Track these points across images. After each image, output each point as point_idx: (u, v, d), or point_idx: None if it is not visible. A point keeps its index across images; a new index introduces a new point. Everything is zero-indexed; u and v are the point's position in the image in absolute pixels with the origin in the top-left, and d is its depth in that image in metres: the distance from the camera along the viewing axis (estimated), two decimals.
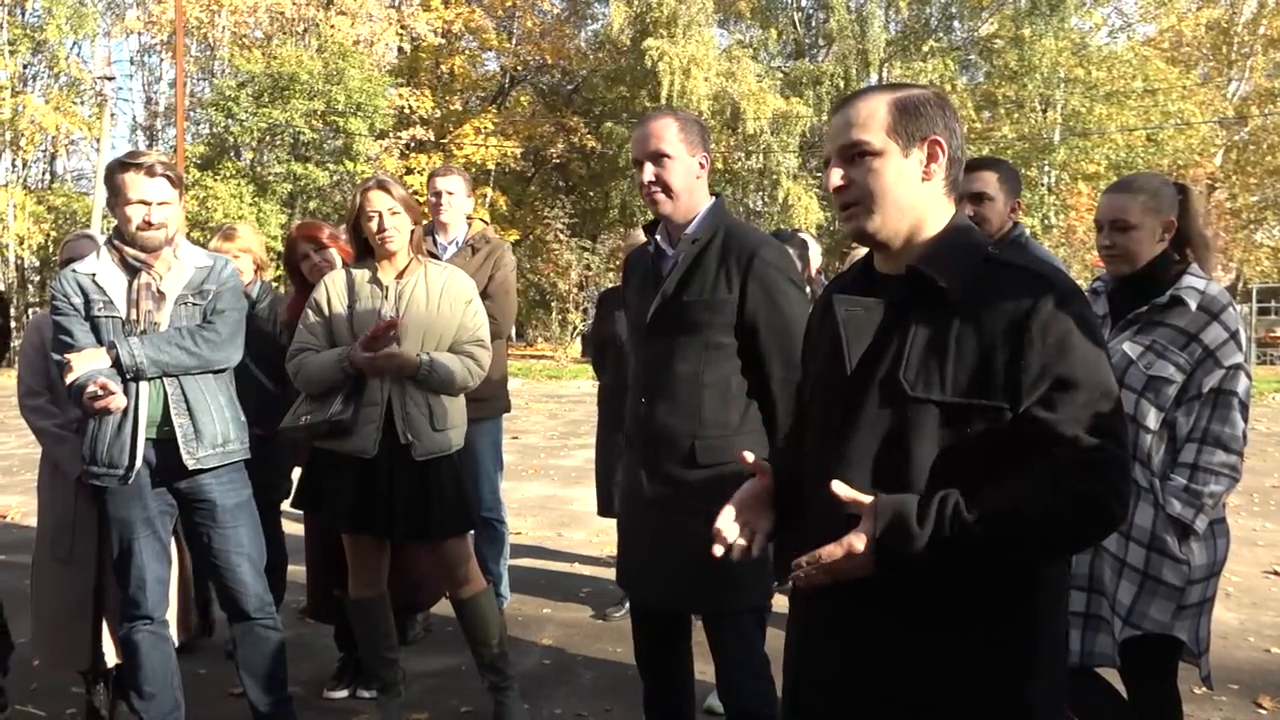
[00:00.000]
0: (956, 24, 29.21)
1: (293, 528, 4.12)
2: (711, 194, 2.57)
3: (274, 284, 4.72)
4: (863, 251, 1.70)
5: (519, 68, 31.46)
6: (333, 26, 25.74)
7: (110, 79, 25.76)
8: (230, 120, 23.44)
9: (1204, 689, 3.00)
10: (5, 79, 25.81)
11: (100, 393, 2.62)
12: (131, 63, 37.81)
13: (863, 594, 1.47)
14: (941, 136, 1.54)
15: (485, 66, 32.90)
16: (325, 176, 23.91)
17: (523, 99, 31.44)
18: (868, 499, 1.44)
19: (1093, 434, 1.40)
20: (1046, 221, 25.13)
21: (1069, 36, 25.86)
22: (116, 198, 2.85)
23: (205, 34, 27.30)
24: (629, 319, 2.76)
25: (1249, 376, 2.42)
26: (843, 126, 1.56)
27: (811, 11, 30.41)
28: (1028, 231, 3.19)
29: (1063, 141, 26.08)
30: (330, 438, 3.08)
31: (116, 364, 2.76)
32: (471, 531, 3.77)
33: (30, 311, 24.24)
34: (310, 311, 3.20)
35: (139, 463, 2.84)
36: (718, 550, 1.66)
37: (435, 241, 4.20)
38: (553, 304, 25.97)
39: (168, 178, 2.86)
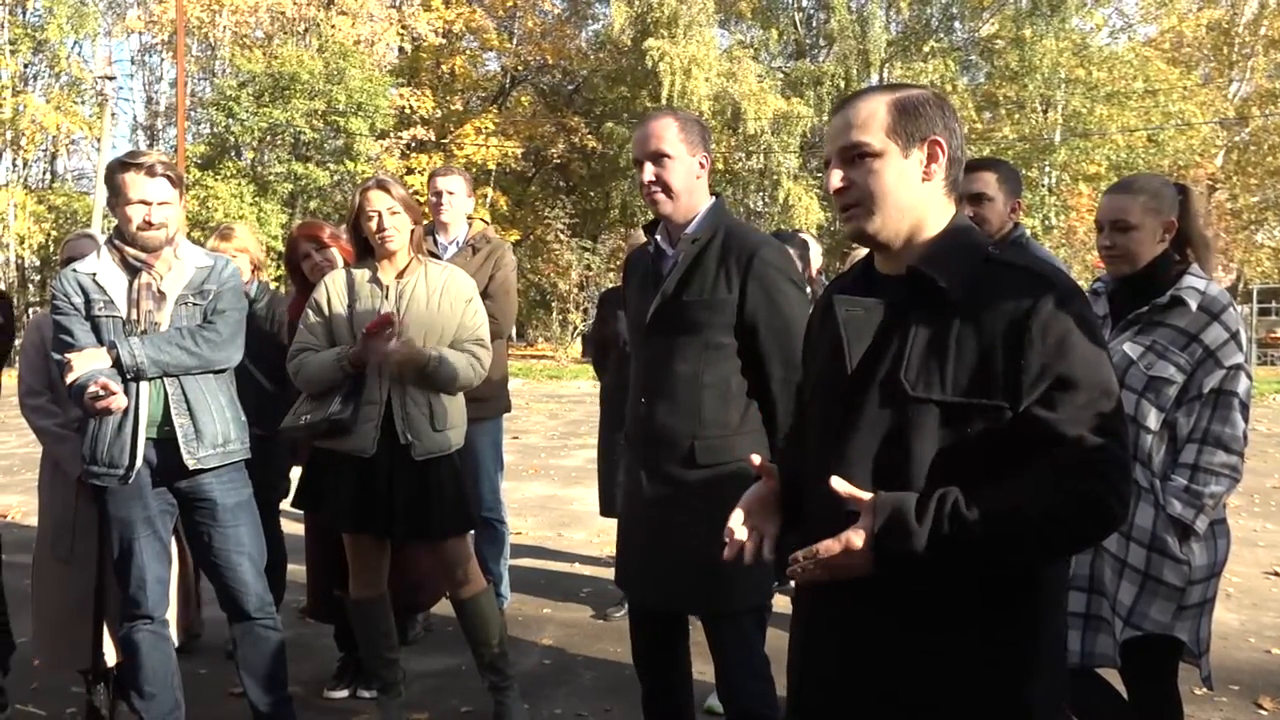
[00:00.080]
0: (957, 24, 29.21)
1: (293, 527, 4.12)
2: (712, 194, 2.57)
3: (271, 284, 4.72)
4: (863, 252, 1.70)
5: (520, 68, 31.47)
6: (333, 26, 25.75)
7: (111, 79, 25.76)
8: (231, 120, 23.45)
9: (1204, 689, 3.00)
10: (6, 78, 25.82)
11: (102, 393, 2.62)
12: (132, 62, 37.80)
13: (863, 592, 1.47)
14: (941, 137, 1.54)
15: (486, 66, 32.95)
16: (326, 176, 23.92)
17: (523, 99, 31.45)
18: (867, 495, 1.44)
19: (1093, 434, 1.40)
20: (1047, 222, 25.13)
21: (1070, 37, 25.86)
22: (117, 197, 2.85)
23: (206, 34, 27.31)
24: (629, 319, 2.76)
25: (1249, 377, 2.42)
26: (842, 127, 1.56)
27: (812, 12, 30.42)
28: (1028, 232, 3.18)
29: (1063, 142, 26.08)
30: (329, 437, 3.09)
31: (117, 364, 2.76)
32: (472, 531, 3.77)
33: (31, 311, 24.24)
34: (310, 311, 3.20)
35: (139, 462, 2.84)
36: (728, 553, 1.67)
37: (436, 241, 4.20)
38: (553, 304, 25.97)
39: (168, 177, 2.86)
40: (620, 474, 2.82)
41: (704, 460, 2.43)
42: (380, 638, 3.29)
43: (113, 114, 26.43)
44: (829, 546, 1.44)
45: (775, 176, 26.32)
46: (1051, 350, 1.41)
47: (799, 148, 26.58)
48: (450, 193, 4.23)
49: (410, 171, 25.25)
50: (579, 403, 15.14)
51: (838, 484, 1.45)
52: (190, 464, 2.86)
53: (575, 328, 24.80)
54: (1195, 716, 3.35)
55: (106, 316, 2.84)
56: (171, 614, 3.21)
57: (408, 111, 27.15)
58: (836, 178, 1.57)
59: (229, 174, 23.71)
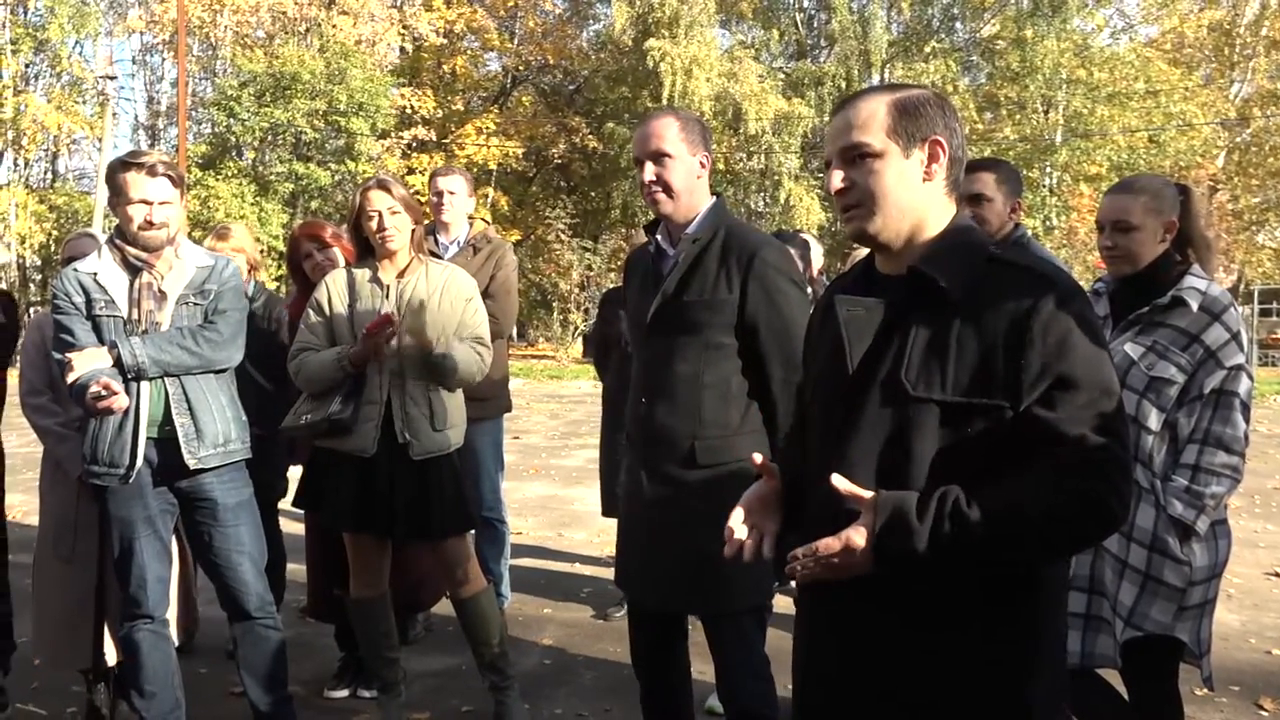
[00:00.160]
0: (958, 25, 29.21)
1: (292, 527, 4.12)
2: (712, 194, 2.57)
3: (272, 283, 4.72)
4: (864, 252, 1.70)
5: (521, 68, 31.46)
6: (335, 26, 25.75)
7: (112, 78, 25.79)
8: (232, 120, 23.45)
9: (1205, 690, 3.00)
10: (7, 78, 25.84)
11: (103, 392, 2.62)
12: (134, 62, 37.89)
13: (864, 591, 1.47)
14: (942, 136, 1.54)
15: (487, 67, 32.94)
16: (327, 176, 23.92)
17: (524, 99, 31.43)
18: (868, 494, 1.44)
19: (1094, 433, 1.40)
20: (1048, 223, 25.12)
21: (1071, 38, 25.86)
22: (118, 197, 2.86)
23: (207, 33, 27.31)
24: (629, 319, 2.76)
25: (1251, 378, 2.42)
26: (843, 128, 1.56)
27: (813, 12, 30.41)
28: (1029, 232, 3.18)
29: (1064, 143, 26.07)
30: (330, 436, 3.09)
31: (118, 363, 2.77)
32: (472, 531, 3.77)
33: (32, 310, 24.24)
34: (311, 311, 3.21)
35: (140, 462, 2.84)
36: (728, 551, 1.67)
37: (437, 241, 4.20)
38: (554, 304, 25.96)
39: (169, 177, 2.86)
40: (621, 474, 2.82)
41: (704, 460, 2.43)
42: (381, 637, 3.29)
43: (114, 114, 26.47)
44: (829, 545, 1.44)
45: (776, 177, 26.31)
46: (1052, 350, 1.41)
47: (800, 148, 26.57)
48: (451, 192, 4.23)
49: (411, 171, 25.25)
50: (580, 403, 15.14)
51: (839, 482, 1.45)
52: (191, 463, 2.86)
53: (576, 328, 24.81)
54: (1196, 717, 3.35)
55: (107, 316, 2.84)
56: (172, 613, 3.21)
57: (409, 111, 27.15)
58: (837, 178, 1.57)
59: (230, 174, 23.71)
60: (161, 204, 2.84)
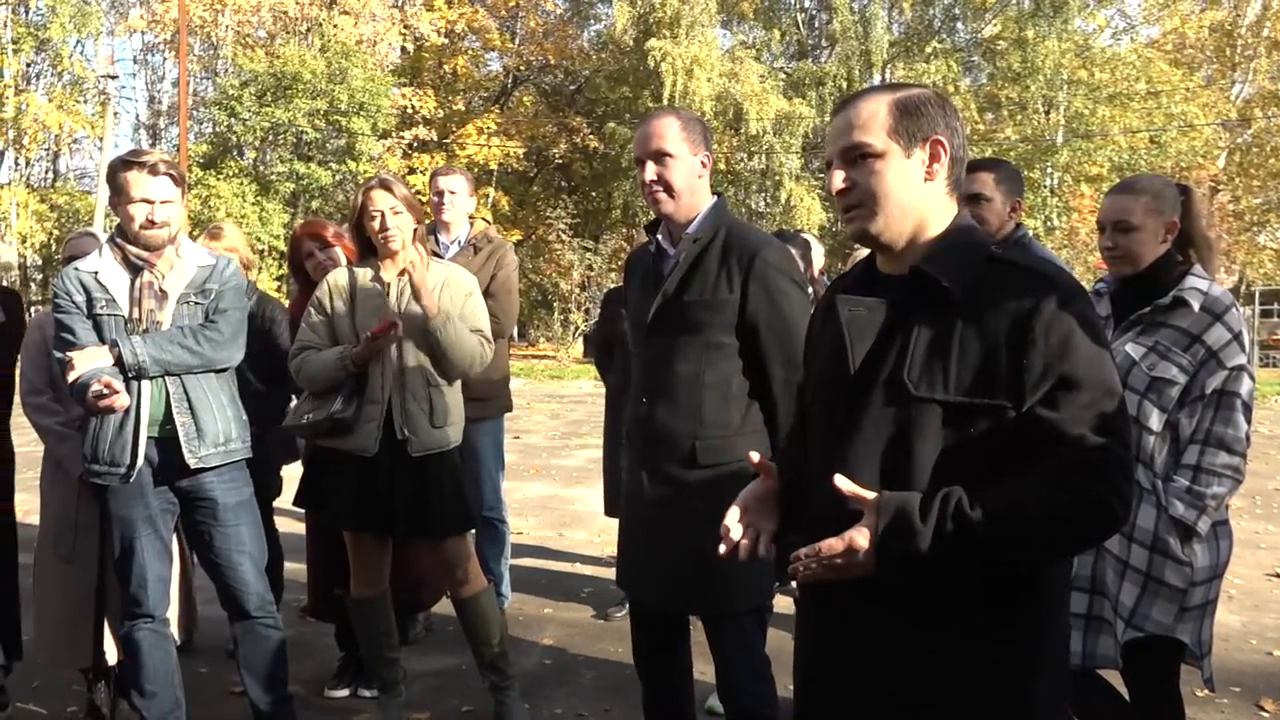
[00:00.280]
0: (959, 25, 29.21)
1: (292, 526, 4.12)
2: (713, 194, 2.57)
3: (272, 284, 4.72)
4: (865, 252, 1.70)
5: (522, 68, 31.47)
6: (336, 26, 25.77)
7: (113, 78, 25.78)
8: (233, 119, 23.48)
9: (1206, 691, 2.99)
10: (9, 77, 25.86)
11: (105, 391, 2.62)
12: (135, 61, 37.88)
13: (866, 591, 1.47)
14: (943, 136, 1.54)
15: (488, 66, 32.97)
16: (328, 176, 23.94)
17: (525, 99, 31.45)
18: (871, 495, 1.44)
19: (1096, 434, 1.40)
20: (1049, 223, 25.12)
21: (1072, 38, 25.85)
22: (119, 196, 2.85)
23: (208, 33, 27.35)
24: (630, 319, 2.75)
25: (1252, 378, 2.42)
26: (844, 128, 1.56)
27: (814, 12, 30.42)
28: (1030, 233, 3.17)
29: (1065, 143, 26.06)
30: (332, 435, 3.09)
31: (119, 362, 2.76)
32: (472, 531, 3.77)
33: (33, 309, 24.25)
34: (313, 310, 3.20)
35: (141, 461, 2.84)
36: (724, 549, 1.66)
37: (438, 241, 4.20)
38: (555, 304, 25.98)
39: (170, 176, 2.86)
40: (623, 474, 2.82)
41: (705, 461, 2.43)
42: (381, 637, 3.29)
43: (115, 113, 26.48)
44: (832, 546, 1.44)
45: (777, 177, 26.31)
46: (1055, 350, 1.41)
47: (801, 148, 26.57)
48: (452, 192, 4.23)
49: (412, 171, 25.26)
50: (580, 403, 15.14)
51: (841, 482, 1.44)
52: (192, 463, 2.86)
53: (577, 328, 24.83)
54: (1196, 718, 3.35)
55: (108, 315, 2.84)
56: (173, 613, 3.21)
57: (410, 111, 27.17)
58: (839, 178, 1.56)
59: (231, 173, 23.74)
60: (163, 203, 2.84)
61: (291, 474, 3.90)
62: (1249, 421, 2.38)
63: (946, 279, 1.48)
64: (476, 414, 3.62)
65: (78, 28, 26.17)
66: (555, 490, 7.96)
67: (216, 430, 2.90)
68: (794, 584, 1.77)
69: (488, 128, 28.78)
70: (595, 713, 3.52)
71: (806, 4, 30.35)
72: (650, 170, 2.47)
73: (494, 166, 28.37)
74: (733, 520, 1.67)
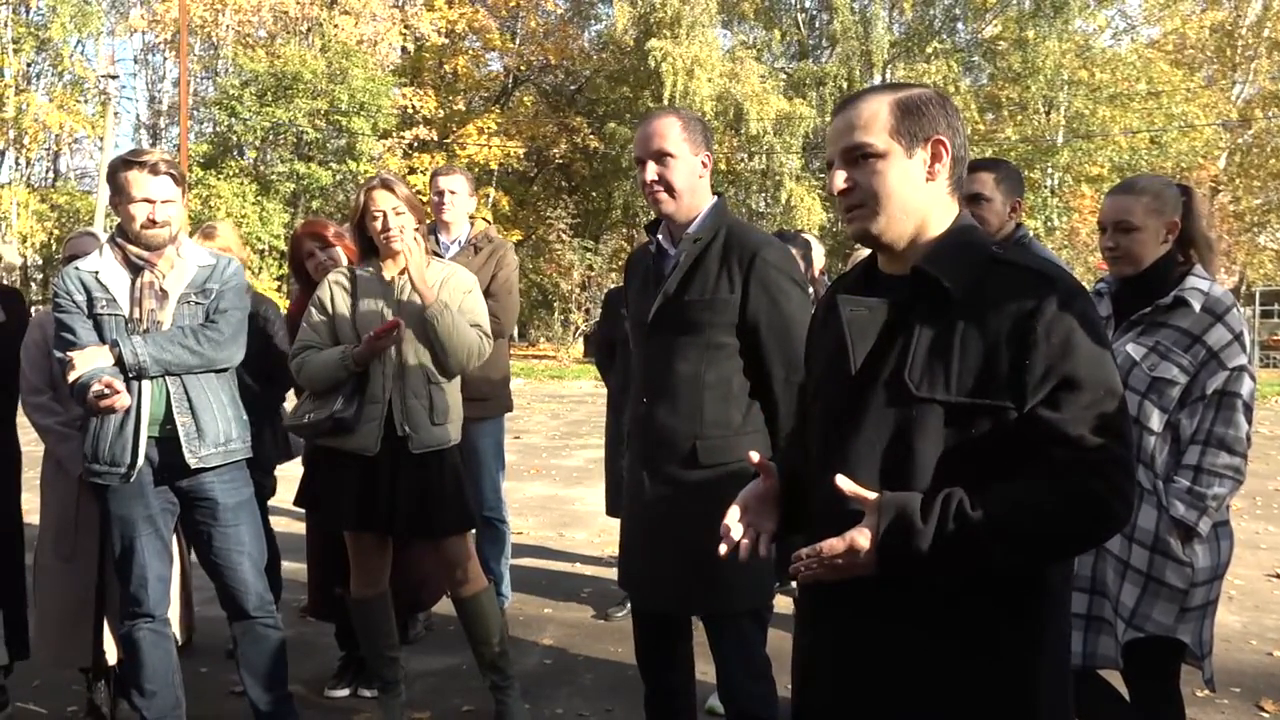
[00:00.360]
0: (960, 26, 29.20)
1: (291, 526, 4.12)
2: (714, 194, 2.57)
3: (263, 282, 4.72)
4: (865, 252, 1.70)
5: (522, 68, 31.46)
6: (336, 26, 25.77)
7: (114, 77, 25.80)
8: (234, 119, 23.48)
9: (1206, 692, 2.99)
10: (9, 77, 25.86)
11: (105, 391, 2.62)
12: (135, 61, 37.91)
13: (866, 592, 1.47)
14: (944, 136, 1.54)
15: (489, 66, 32.95)
16: (328, 176, 23.94)
17: (526, 99, 31.44)
18: (872, 495, 1.44)
19: (1097, 434, 1.40)
20: (1050, 224, 25.11)
21: (1073, 39, 25.85)
22: (120, 196, 2.85)
23: (209, 33, 27.34)
24: (630, 318, 2.75)
25: (1253, 379, 2.41)
26: (845, 128, 1.56)
27: (815, 13, 30.40)
28: (1031, 233, 3.17)
29: (1066, 144, 26.05)
30: (332, 435, 3.09)
31: (119, 362, 2.76)
32: (473, 531, 3.77)
33: (33, 309, 24.22)
34: (314, 310, 3.20)
35: (141, 461, 2.84)
36: (723, 549, 1.66)
37: (438, 240, 4.20)
38: (555, 304, 25.98)
39: (171, 176, 2.86)
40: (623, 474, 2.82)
41: (706, 461, 2.43)
42: (381, 636, 3.29)
43: (115, 113, 26.48)
44: (833, 546, 1.44)
45: (777, 177, 26.31)
46: (1056, 350, 1.41)
47: (801, 148, 26.56)
48: (452, 192, 4.23)
49: (413, 171, 25.27)
50: (581, 403, 15.14)
51: (843, 482, 1.44)
52: (192, 463, 2.86)
53: (577, 328, 24.82)
54: (1197, 718, 3.34)
55: (109, 315, 2.84)
56: (173, 612, 3.21)
57: (410, 111, 27.16)
58: (840, 179, 1.56)
59: (231, 173, 23.74)
60: (164, 202, 2.84)
61: (286, 473, 3.90)
62: (1250, 422, 2.38)
63: (948, 279, 1.48)
64: (477, 414, 3.62)
65: (78, 28, 26.16)
66: (555, 490, 7.96)
67: (217, 430, 2.90)
68: (794, 584, 1.76)
69: (488, 128, 28.78)
70: (596, 712, 3.52)
71: (807, 4, 30.35)
72: (651, 170, 2.47)
73: (494, 166, 28.37)
74: (733, 520, 1.66)
